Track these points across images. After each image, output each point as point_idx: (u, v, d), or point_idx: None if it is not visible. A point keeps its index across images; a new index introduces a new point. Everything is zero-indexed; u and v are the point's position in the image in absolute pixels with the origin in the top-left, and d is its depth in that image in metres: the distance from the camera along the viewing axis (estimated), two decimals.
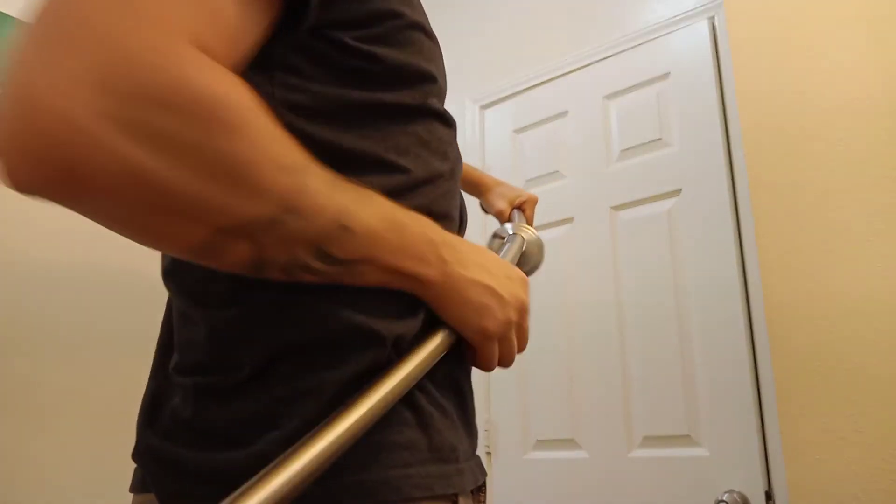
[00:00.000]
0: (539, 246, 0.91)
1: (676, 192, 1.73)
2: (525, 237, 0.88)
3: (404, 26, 0.54)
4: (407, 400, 0.49)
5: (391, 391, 0.46)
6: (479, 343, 0.55)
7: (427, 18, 0.60)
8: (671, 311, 1.66)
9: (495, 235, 0.96)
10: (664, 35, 1.85)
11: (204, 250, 0.40)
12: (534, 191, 2.01)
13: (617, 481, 1.64)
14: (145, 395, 0.56)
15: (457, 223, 0.62)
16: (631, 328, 1.72)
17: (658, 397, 1.63)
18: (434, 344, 0.51)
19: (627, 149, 1.85)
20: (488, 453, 1.92)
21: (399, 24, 0.53)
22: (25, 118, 0.33)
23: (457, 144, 0.64)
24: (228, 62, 0.41)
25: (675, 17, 1.84)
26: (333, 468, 0.46)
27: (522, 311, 0.57)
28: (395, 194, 0.52)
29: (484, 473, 0.58)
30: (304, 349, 0.48)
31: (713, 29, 1.76)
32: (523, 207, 1.11)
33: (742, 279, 1.58)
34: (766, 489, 1.43)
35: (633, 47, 1.91)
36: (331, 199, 0.43)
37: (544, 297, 1.88)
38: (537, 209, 1.17)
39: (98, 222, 0.39)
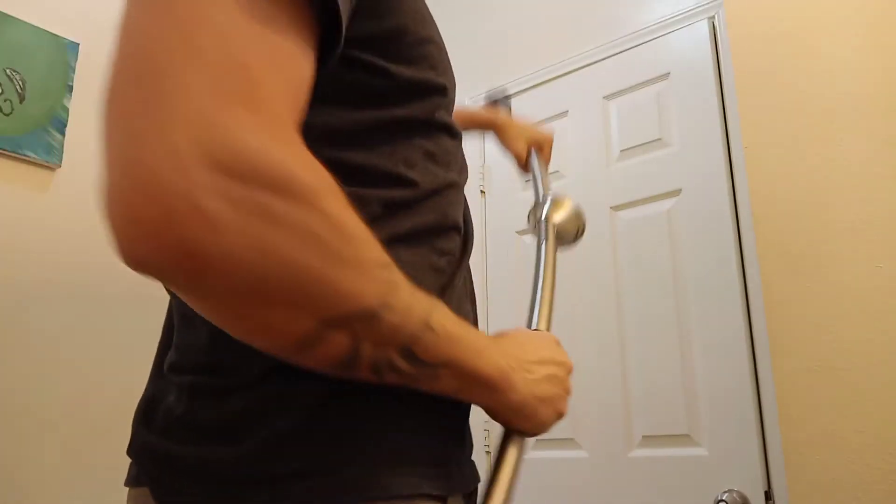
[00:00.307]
0: (573, 216, 0.90)
1: (676, 192, 1.73)
2: (556, 221, 0.88)
3: (417, 42, 0.54)
4: (398, 402, 0.50)
5: None
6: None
7: (436, 27, 0.60)
8: (671, 310, 1.66)
9: (534, 218, 0.94)
10: (664, 35, 1.85)
11: (305, 343, 0.40)
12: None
13: (617, 481, 1.64)
14: (144, 394, 0.57)
15: (462, 231, 0.62)
16: (631, 328, 1.72)
17: (658, 397, 1.63)
18: (516, 455, 0.54)
19: (627, 149, 1.85)
20: (488, 453, 1.92)
21: (411, 41, 0.53)
22: (142, 195, 0.33)
23: (462, 153, 0.64)
24: (302, 121, 0.42)
25: (675, 17, 1.85)
26: (325, 466, 0.46)
27: (567, 397, 0.59)
28: (405, 206, 0.53)
29: (476, 479, 0.58)
30: (293, 368, 0.48)
31: (713, 29, 1.77)
32: (541, 147, 1.10)
33: (742, 279, 1.58)
34: (766, 489, 1.44)
35: (633, 47, 1.91)
36: (416, 298, 0.44)
37: None
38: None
39: (204, 311, 0.39)
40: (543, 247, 0.82)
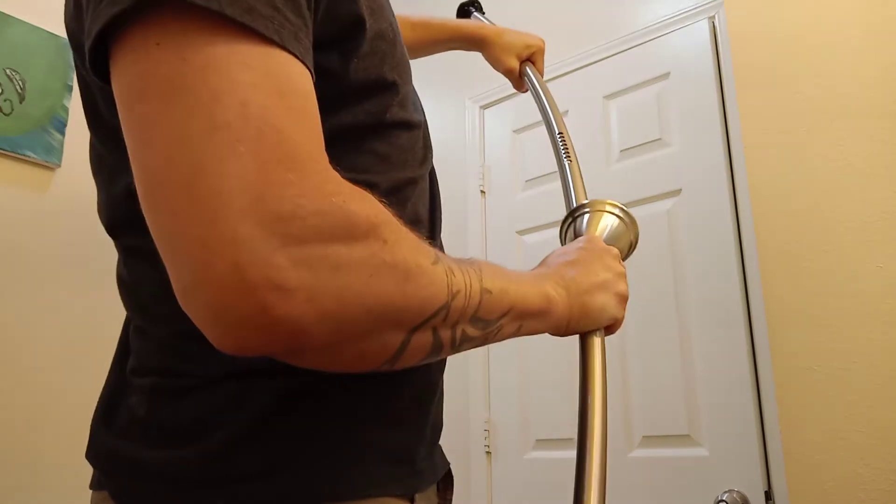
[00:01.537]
0: (623, 228, 0.69)
1: (676, 192, 1.73)
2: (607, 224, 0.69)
3: (370, 37, 0.52)
4: (363, 402, 0.50)
5: (602, 414, 0.54)
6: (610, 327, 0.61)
7: (390, 10, 0.57)
8: (671, 310, 1.66)
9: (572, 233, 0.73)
10: (664, 35, 1.85)
11: (396, 355, 0.42)
12: (534, 191, 2.01)
13: (617, 481, 1.64)
14: (102, 393, 0.56)
15: (426, 225, 0.61)
16: (631, 328, 1.72)
17: (658, 397, 1.63)
18: (598, 352, 0.58)
19: (627, 149, 1.85)
20: (488, 453, 1.92)
21: (364, 36, 0.51)
22: (229, 295, 0.35)
23: (423, 139, 0.62)
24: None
25: (675, 16, 1.85)
26: (286, 465, 0.46)
27: (624, 278, 0.62)
28: None
29: (444, 466, 0.59)
30: (248, 370, 0.48)
31: (713, 29, 1.77)
32: (533, 59, 1.05)
33: (742, 279, 1.58)
34: (766, 489, 1.43)
35: (633, 47, 1.91)
36: (466, 272, 0.46)
37: None
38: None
39: (301, 364, 0.41)
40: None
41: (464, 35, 1.10)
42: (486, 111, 2.23)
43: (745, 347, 1.52)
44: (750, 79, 1.59)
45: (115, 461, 0.50)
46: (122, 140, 0.44)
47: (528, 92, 1.04)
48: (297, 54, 0.41)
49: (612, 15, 1.99)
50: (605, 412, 0.55)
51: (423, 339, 0.43)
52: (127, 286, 0.55)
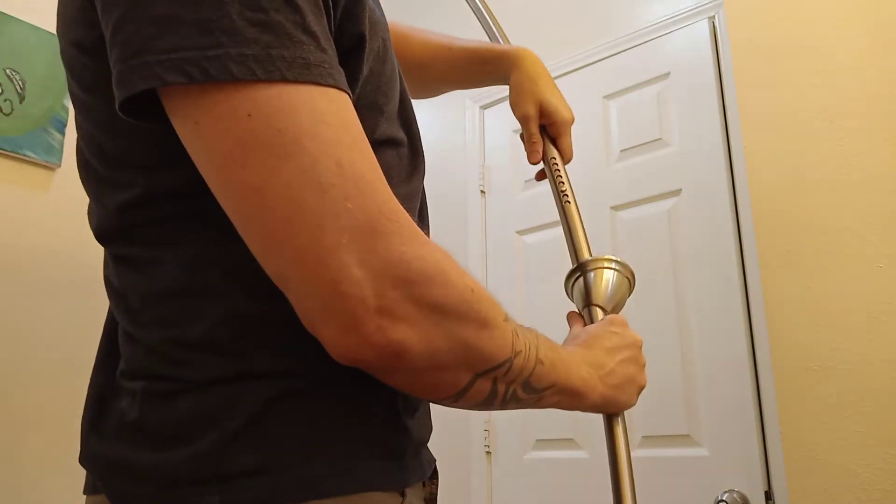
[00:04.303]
0: (623, 285, 0.84)
1: (676, 192, 1.73)
2: (605, 304, 0.82)
3: (367, 62, 0.52)
4: (345, 400, 0.50)
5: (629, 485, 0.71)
6: None
7: (383, 24, 0.58)
8: (671, 311, 1.66)
9: (580, 298, 0.84)
10: (664, 35, 1.85)
11: (461, 392, 0.49)
12: (534, 191, 2.01)
13: None
14: (89, 398, 0.56)
15: None
16: (631, 328, 1.72)
17: (658, 397, 1.63)
18: (622, 434, 0.73)
19: (627, 149, 1.85)
20: (488, 453, 1.92)
21: (361, 61, 0.52)
22: (356, 318, 0.42)
23: (412, 153, 0.62)
24: None
25: (675, 17, 1.85)
26: (276, 463, 0.47)
27: (644, 370, 0.73)
28: None
29: (431, 463, 0.59)
30: (238, 374, 0.49)
31: (713, 29, 1.77)
32: (556, 133, 0.96)
33: (742, 279, 1.58)
34: (766, 489, 1.43)
35: (633, 47, 1.91)
36: (527, 338, 0.52)
37: (544, 297, 1.88)
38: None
39: (388, 381, 0.48)
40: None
41: (485, 69, 1.04)
42: (485, 111, 2.23)
43: (745, 347, 1.52)
44: (750, 79, 1.59)
45: (109, 465, 0.51)
46: (117, 160, 0.50)
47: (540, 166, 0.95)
48: (344, 87, 0.45)
49: (612, 15, 1.99)
50: (633, 484, 0.72)
51: (484, 385, 0.49)
52: (115, 291, 0.56)
